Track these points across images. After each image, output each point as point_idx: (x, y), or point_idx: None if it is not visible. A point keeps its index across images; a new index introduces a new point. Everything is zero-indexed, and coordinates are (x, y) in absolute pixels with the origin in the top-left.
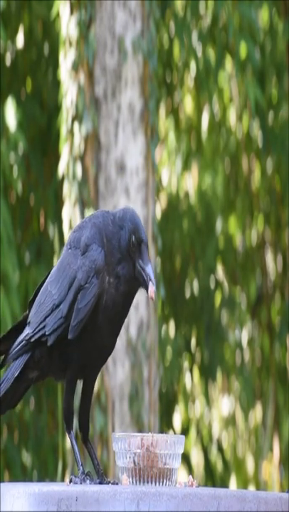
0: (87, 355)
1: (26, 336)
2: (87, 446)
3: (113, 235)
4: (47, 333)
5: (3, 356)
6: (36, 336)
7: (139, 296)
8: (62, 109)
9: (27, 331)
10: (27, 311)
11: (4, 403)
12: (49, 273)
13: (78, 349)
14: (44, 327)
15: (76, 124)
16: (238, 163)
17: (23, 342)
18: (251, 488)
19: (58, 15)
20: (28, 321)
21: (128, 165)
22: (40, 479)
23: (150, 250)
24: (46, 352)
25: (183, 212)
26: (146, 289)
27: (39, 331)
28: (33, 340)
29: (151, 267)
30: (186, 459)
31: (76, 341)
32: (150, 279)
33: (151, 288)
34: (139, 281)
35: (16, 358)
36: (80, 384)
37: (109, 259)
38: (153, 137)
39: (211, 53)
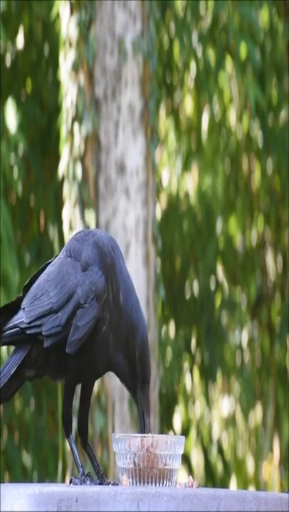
0: (83, 369)
1: (21, 323)
2: (86, 449)
3: (120, 316)
4: (44, 334)
5: None
6: (32, 331)
7: (139, 296)
8: (62, 110)
9: (22, 317)
10: (21, 294)
11: None
12: (45, 266)
13: (75, 362)
14: (41, 325)
15: (76, 125)
16: (238, 163)
17: (17, 329)
18: (251, 488)
19: (58, 15)
20: (23, 307)
21: (128, 165)
22: (41, 480)
23: (150, 251)
24: (43, 352)
25: (183, 212)
26: (143, 430)
27: (35, 326)
28: (28, 332)
29: (149, 419)
30: (186, 459)
31: (73, 354)
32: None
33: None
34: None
35: (9, 343)
36: (79, 385)
37: (112, 304)
38: (153, 138)
39: (211, 54)
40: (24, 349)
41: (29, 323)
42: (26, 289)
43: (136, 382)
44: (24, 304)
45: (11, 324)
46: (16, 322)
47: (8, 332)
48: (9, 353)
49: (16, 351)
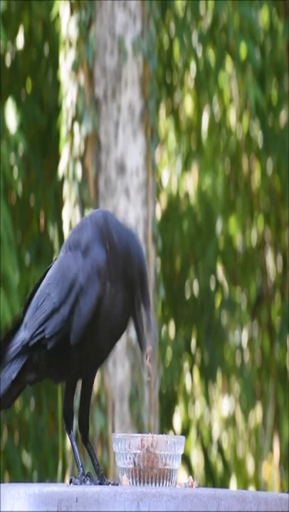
0: (86, 358)
1: (24, 340)
2: (87, 446)
3: (117, 253)
4: (47, 337)
5: None
6: (35, 340)
7: None
8: (62, 110)
9: (23, 334)
10: (22, 309)
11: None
12: (45, 274)
13: (78, 352)
14: (43, 330)
15: (76, 125)
16: (238, 163)
17: (19, 347)
18: (251, 488)
19: (58, 15)
20: (25, 322)
21: (128, 165)
22: (41, 480)
23: (150, 251)
24: (45, 355)
25: (183, 212)
26: (143, 348)
27: (38, 334)
28: (31, 344)
29: (152, 322)
30: (186, 459)
31: (76, 344)
32: (146, 355)
33: (147, 363)
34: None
35: (13, 359)
36: (79, 384)
37: (111, 268)
38: (153, 138)
39: (211, 54)
40: (25, 355)
41: (32, 335)
42: (27, 303)
43: (138, 304)
44: (26, 319)
45: (12, 345)
46: (18, 339)
47: (11, 352)
48: None
49: (16, 358)
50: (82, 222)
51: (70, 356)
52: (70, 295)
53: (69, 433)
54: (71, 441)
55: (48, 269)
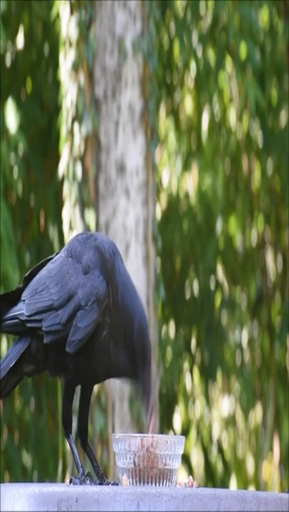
0: (82, 370)
1: (21, 315)
2: (86, 450)
3: (121, 309)
4: (44, 330)
5: None
6: (32, 324)
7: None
8: (62, 110)
9: (22, 308)
10: (21, 285)
11: None
12: (45, 262)
13: (75, 362)
14: (41, 320)
15: (76, 125)
16: (238, 163)
17: (17, 320)
18: (251, 488)
19: (58, 15)
20: (23, 298)
21: (128, 165)
22: (41, 480)
23: (150, 251)
24: (43, 347)
25: (183, 212)
26: (146, 408)
27: (35, 321)
28: (28, 325)
29: (151, 398)
30: (186, 459)
31: (72, 354)
32: (149, 415)
33: (152, 422)
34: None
35: (9, 332)
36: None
37: (112, 309)
38: (153, 138)
39: (211, 54)
40: (24, 343)
41: (29, 316)
42: (27, 280)
43: (136, 364)
44: (24, 295)
45: (11, 314)
46: (16, 313)
47: (8, 322)
48: (9, 348)
49: (15, 345)
50: (88, 237)
51: (66, 362)
52: (69, 303)
53: (68, 437)
54: (70, 445)
55: (49, 259)
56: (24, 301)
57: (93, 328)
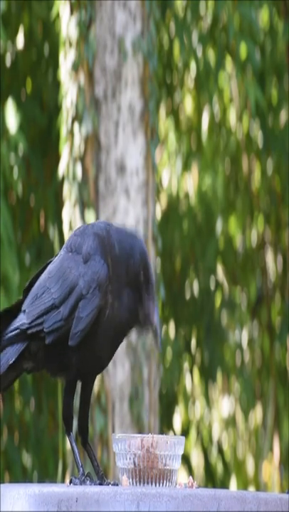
0: (84, 362)
1: (22, 324)
2: (86, 448)
3: (119, 259)
4: (46, 330)
5: None
6: (33, 330)
7: None
8: (62, 110)
9: (23, 319)
10: (22, 297)
11: None
12: (45, 266)
13: (77, 355)
14: (42, 323)
15: (76, 125)
16: (238, 163)
17: (18, 330)
18: (251, 489)
19: (58, 15)
20: (23, 309)
21: (128, 165)
22: (41, 480)
23: (150, 251)
24: (43, 347)
25: (183, 212)
26: (155, 336)
27: (36, 325)
28: (29, 332)
29: (157, 315)
30: (186, 460)
31: (75, 347)
32: (157, 335)
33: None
34: (139, 321)
35: (11, 344)
36: (78, 384)
37: (113, 278)
38: (153, 138)
39: (211, 54)
40: (24, 341)
41: (30, 322)
42: (27, 291)
43: (141, 290)
44: (25, 306)
45: (11, 327)
46: (17, 325)
47: (8, 335)
48: None
49: (15, 343)
50: (85, 228)
51: (67, 357)
52: (70, 297)
53: (68, 435)
54: (71, 443)
55: (49, 263)
56: (24, 311)
57: (95, 314)
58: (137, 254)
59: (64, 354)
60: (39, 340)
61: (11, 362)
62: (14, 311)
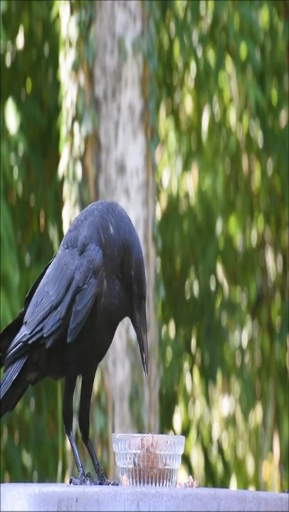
0: (85, 355)
1: (23, 337)
2: (87, 444)
3: (115, 242)
4: (45, 335)
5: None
6: (34, 338)
7: None
8: (62, 110)
9: (24, 331)
10: (23, 309)
11: (2, 406)
12: (44, 271)
13: (76, 350)
14: (42, 329)
15: (76, 125)
16: (238, 163)
17: (21, 344)
18: (251, 488)
19: (58, 15)
20: (25, 320)
21: (128, 165)
22: (41, 480)
23: (150, 251)
24: (44, 354)
25: (183, 212)
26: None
27: (37, 333)
28: (31, 342)
29: (147, 344)
30: (186, 459)
31: (74, 343)
32: (144, 359)
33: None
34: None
35: (14, 360)
36: (79, 382)
37: (106, 260)
38: (153, 138)
39: (212, 54)
40: (25, 354)
41: (31, 332)
42: (28, 300)
43: (132, 300)
44: (26, 317)
45: (14, 343)
46: (19, 338)
47: (12, 351)
48: None
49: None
50: (79, 220)
51: (67, 355)
52: (67, 293)
53: (68, 434)
54: (71, 442)
55: (48, 266)
56: (26, 322)
57: (92, 304)
58: (133, 262)
59: (64, 353)
60: (40, 348)
61: (14, 377)
62: (17, 325)
